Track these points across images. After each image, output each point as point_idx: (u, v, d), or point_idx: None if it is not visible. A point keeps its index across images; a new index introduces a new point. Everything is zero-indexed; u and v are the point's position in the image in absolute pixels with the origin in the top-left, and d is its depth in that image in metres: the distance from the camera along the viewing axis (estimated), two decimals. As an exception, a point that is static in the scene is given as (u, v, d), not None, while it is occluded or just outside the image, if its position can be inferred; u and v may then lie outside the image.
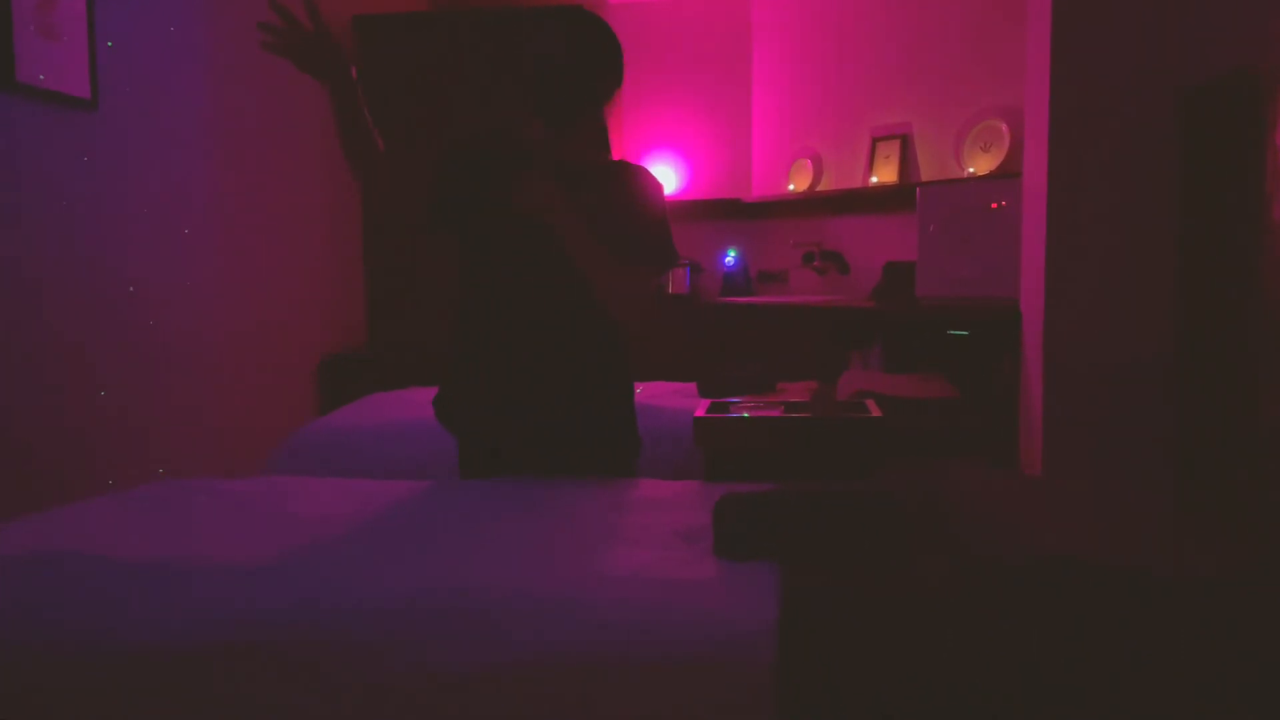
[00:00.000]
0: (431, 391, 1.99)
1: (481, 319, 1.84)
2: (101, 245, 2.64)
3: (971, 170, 3.37)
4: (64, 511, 1.60)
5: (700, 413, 2.10)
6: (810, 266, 4.05)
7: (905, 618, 1.12)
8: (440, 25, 4.08)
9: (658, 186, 1.86)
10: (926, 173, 3.68)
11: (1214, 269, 2.22)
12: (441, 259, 3.53)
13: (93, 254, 2.61)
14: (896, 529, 1.30)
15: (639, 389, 2.01)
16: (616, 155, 2.19)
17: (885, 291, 3.46)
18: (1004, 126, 3.29)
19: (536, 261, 1.77)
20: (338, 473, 2.24)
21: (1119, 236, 2.37)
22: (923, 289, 3.15)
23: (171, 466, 2.82)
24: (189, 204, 3.00)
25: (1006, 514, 1.36)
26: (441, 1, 4.61)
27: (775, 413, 2.09)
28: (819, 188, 4.13)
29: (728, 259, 4.40)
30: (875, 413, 2.07)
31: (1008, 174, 3.14)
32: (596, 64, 1.78)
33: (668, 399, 2.67)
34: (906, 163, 3.75)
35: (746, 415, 2.06)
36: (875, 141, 3.85)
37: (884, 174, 3.78)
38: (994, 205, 2.94)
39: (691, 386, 2.77)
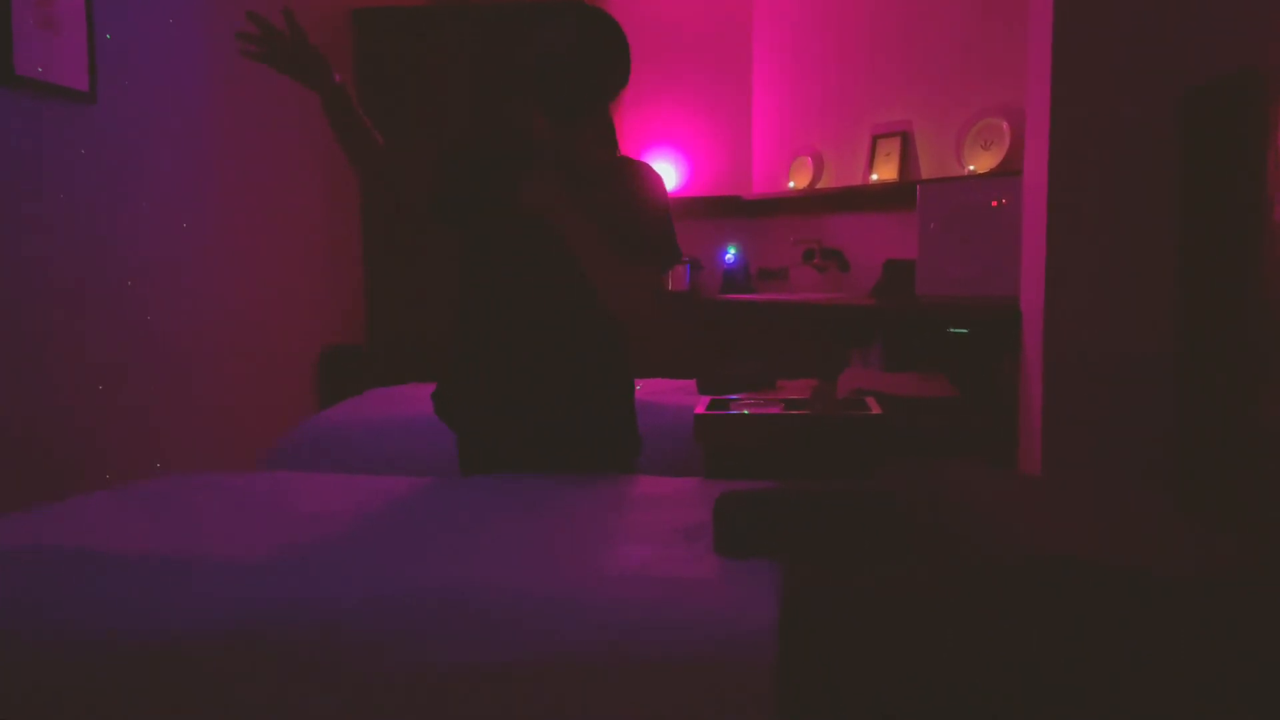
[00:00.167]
0: (431, 388, 1.99)
1: (482, 318, 1.84)
2: (100, 238, 2.63)
3: (972, 168, 3.37)
4: (63, 506, 1.59)
5: (700, 410, 2.10)
6: (810, 264, 4.05)
7: (905, 617, 1.12)
8: (441, 20, 4.06)
9: (661, 183, 1.85)
10: (927, 170, 3.68)
11: (1215, 269, 2.22)
12: (441, 256, 3.52)
13: (91, 247, 2.60)
14: (896, 528, 1.30)
15: (639, 386, 2.00)
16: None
17: (885, 289, 3.46)
18: (1005, 124, 3.28)
19: (537, 261, 1.76)
20: (337, 468, 2.24)
21: (1120, 235, 2.37)
22: (923, 287, 3.15)
23: (170, 460, 2.81)
24: (188, 197, 3.00)
25: (1006, 513, 1.35)
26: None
27: (775, 410, 2.08)
28: (819, 185, 4.12)
29: (728, 256, 4.40)
30: (875, 410, 2.07)
31: (1008, 172, 3.14)
32: (605, 60, 1.72)
33: (667, 396, 2.67)
34: (907, 160, 3.74)
35: (746, 412, 2.06)
36: (876, 139, 3.84)
37: (884, 172, 3.78)
38: (994, 203, 2.94)
39: (691, 384, 2.77)
